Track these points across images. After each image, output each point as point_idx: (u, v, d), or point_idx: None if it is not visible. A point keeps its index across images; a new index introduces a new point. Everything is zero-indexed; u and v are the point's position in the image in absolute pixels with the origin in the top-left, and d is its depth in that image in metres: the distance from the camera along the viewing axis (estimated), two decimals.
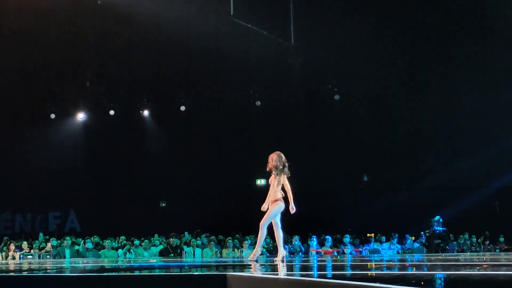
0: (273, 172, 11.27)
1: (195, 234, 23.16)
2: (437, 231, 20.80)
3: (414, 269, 7.86)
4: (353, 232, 23.31)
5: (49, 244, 20.55)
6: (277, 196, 11.27)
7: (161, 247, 21.03)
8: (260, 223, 11.32)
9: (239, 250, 20.64)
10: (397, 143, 26.66)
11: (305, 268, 8.89)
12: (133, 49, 28.24)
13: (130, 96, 28.34)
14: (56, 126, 28.34)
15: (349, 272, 7.57)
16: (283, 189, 11.29)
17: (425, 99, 26.12)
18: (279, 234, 11.52)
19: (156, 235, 22.93)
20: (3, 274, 7.80)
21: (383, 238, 22.61)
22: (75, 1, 26.71)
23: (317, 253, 20.31)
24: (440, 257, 14.31)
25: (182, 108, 27.38)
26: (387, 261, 11.54)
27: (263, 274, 6.98)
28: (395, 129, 26.72)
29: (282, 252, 11.39)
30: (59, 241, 21.57)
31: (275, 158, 11.24)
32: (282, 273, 7.12)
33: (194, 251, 20.34)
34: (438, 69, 26.03)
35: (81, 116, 28.38)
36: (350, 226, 23.78)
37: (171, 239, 20.63)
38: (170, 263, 12.01)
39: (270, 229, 11.39)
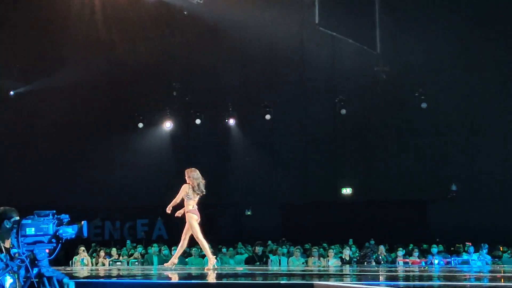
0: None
1: (280, 243, 23.17)
2: None
3: (503, 281, 7.68)
4: (441, 243, 22.86)
5: (137, 252, 21.01)
6: None
7: (246, 255, 21.13)
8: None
9: (325, 259, 20.54)
10: (486, 151, 26.02)
11: (391, 277, 8.80)
12: (218, 58, 28.51)
13: (216, 105, 28.58)
14: (144, 135, 28.86)
15: (436, 283, 7.45)
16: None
17: None
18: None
19: (239, 243, 23.04)
20: (94, 279, 8.01)
21: (471, 248, 22.04)
22: (162, 13, 27.14)
23: (405, 263, 20.06)
24: None
25: (267, 116, 27.43)
26: (475, 272, 11.31)
27: (350, 283, 6.94)
28: (484, 138, 26.08)
29: (213, 260, 11.92)
30: (146, 247, 21.99)
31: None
32: (369, 282, 7.06)
33: (280, 260, 20.33)
34: None
35: (168, 125, 28.83)
36: (438, 236, 23.34)
37: (256, 247, 20.72)
38: (259, 272, 12.09)
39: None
